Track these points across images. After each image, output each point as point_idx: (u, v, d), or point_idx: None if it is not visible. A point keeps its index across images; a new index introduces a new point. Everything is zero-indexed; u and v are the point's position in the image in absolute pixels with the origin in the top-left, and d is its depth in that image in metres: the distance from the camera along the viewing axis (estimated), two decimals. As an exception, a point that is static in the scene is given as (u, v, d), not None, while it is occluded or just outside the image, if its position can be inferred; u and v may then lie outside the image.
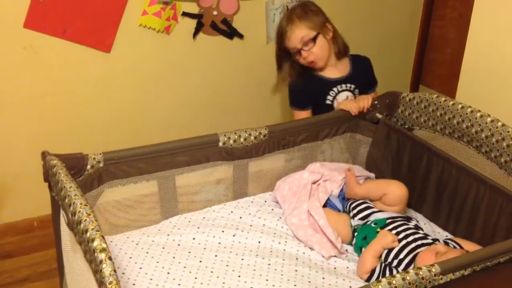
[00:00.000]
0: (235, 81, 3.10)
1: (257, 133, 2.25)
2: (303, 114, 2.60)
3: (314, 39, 2.49)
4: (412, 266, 1.87)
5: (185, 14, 2.80)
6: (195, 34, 2.87)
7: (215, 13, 2.86)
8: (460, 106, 2.15)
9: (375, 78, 2.73)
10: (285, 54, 2.56)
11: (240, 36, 2.99)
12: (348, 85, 2.59)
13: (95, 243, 1.36)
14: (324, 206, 2.23)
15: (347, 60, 2.65)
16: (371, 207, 2.15)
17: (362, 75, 2.65)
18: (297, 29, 2.47)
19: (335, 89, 2.58)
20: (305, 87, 2.60)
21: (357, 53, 3.43)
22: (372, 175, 2.44)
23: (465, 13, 3.17)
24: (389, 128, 2.43)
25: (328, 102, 2.58)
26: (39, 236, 2.83)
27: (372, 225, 2.06)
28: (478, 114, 2.08)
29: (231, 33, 2.95)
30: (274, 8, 2.99)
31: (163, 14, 2.74)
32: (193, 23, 2.84)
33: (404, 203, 2.17)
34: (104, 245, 1.36)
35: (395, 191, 2.15)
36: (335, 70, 2.60)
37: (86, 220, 1.44)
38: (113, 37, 2.71)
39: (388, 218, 2.06)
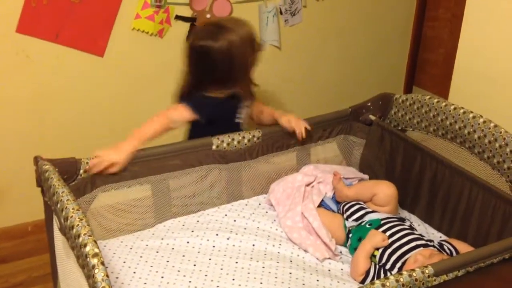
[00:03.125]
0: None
1: (250, 136, 2.26)
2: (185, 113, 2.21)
3: None
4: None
5: (178, 17, 2.80)
6: (188, 37, 2.87)
7: (208, 16, 2.86)
8: (452, 107, 2.15)
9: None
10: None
11: (234, 39, 2.98)
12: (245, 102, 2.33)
13: (88, 248, 1.36)
14: (319, 208, 2.23)
15: None
16: (365, 208, 2.16)
17: None
18: None
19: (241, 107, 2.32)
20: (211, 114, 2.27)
21: (351, 55, 3.45)
22: (366, 176, 2.44)
23: (458, 14, 3.18)
24: (383, 129, 2.43)
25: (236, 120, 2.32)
26: (33, 241, 2.82)
27: (367, 226, 2.06)
28: (471, 115, 2.08)
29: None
30: (267, 11, 2.99)
31: (156, 18, 2.74)
32: (186, 26, 2.84)
33: (394, 202, 2.18)
34: (96, 250, 1.36)
35: (384, 190, 2.16)
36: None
37: (78, 225, 1.44)
38: (106, 41, 2.71)
39: (382, 219, 2.07)
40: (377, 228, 2.03)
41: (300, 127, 2.30)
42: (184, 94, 2.24)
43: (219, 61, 2.10)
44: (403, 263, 1.89)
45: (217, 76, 2.15)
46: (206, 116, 2.19)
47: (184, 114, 2.17)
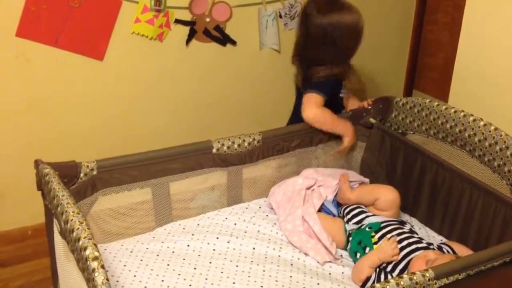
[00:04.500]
0: (229, 88, 3.10)
1: (250, 139, 2.25)
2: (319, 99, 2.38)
3: None
4: (406, 272, 1.87)
5: (177, 21, 2.80)
6: (188, 41, 2.87)
7: (208, 20, 2.86)
8: (453, 110, 2.15)
9: None
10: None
11: (233, 43, 2.99)
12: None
13: (88, 252, 1.36)
14: (319, 211, 2.23)
15: None
16: (365, 212, 2.15)
17: None
18: None
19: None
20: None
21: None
22: (367, 180, 2.44)
23: (457, 18, 3.18)
24: (383, 133, 2.43)
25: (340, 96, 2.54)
26: (33, 244, 2.81)
27: (367, 229, 2.06)
28: (471, 118, 2.08)
29: (224, 39, 2.95)
30: (267, 15, 2.99)
31: (156, 22, 2.74)
32: (186, 30, 2.84)
33: (396, 207, 2.17)
34: (96, 254, 1.36)
35: (387, 195, 2.15)
36: None
37: (78, 228, 1.43)
38: (106, 45, 2.71)
39: (382, 222, 2.06)
40: (377, 232, 2.02)
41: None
42: (307, 76, 2.40)
43: (348, 35, 2.33)
44: (404, 266, 1.89)
45: (342, 51, 2.38)
46: (328, 96, 2.37)
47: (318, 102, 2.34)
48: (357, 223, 2.12)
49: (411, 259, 1.89)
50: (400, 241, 1.96)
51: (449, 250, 1.98)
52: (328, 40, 2.31)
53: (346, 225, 2.14)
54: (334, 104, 2.44)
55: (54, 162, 1.90)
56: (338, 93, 2.50)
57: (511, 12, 2.31)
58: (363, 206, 2.19)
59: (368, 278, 1.91)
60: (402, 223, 2.09)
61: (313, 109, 2.33)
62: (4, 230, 2.83)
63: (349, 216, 2.16)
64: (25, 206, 2.74)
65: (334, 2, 2.34)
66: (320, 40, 2.32)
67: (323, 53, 2.35)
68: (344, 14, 2.31)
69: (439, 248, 1.97)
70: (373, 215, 2.13)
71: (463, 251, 1.99)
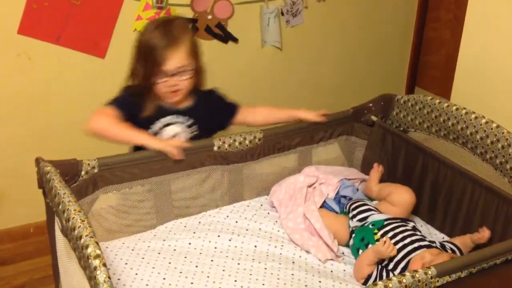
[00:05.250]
0: (230, 85, 3.08)
1: (252, 137, 2.25)
2: (111, 111, 2.08)
3: (191, 68, 2.11)
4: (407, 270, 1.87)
5: (179, 18, 2.80)
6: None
7: (209, 17, 2.86)
8: (454, 107, 2.15)
9: (232, 103, 2.31)
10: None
11: (235, 40, 2.99)
12: (181, 118, 2.16)
13: (89, 250, 1.36)
14: (321, 208, 2.23)
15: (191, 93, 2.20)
16: (371, 209, 2.15)
17: (207, 110, 2.22)
18: (183, 50, 2.06)
19: (164, 119, 2.14)
20: (139, 100, 2.14)
21: (353, 56, 3.45)
22: (368, 177, 2.43)
23: (460, 15, 3.18)
24: (384, 130, 2.43)
25: (150, 131, 2.13)
26: (35, 242, 2.82)
27: (370, 226, 2.06)
28: (473, 116, 2.08)
29: (226, 37, 2.95)
30: (269, 12, 2.99)
31: (158, 19, 2.74)
32: (187, 27, 2.84)
33: (406, 207, 2.16)
34: (98, 251, 1.35)
35: (402, 193, 2.17)
36: None
37: (80, 226, 1.43)
38: (107, 43, 2.71)
39: (386, 220, 2.06)
40: (380, 229, 2.02)
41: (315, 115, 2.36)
42: None
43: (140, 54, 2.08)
44: (406, 264, 1.89)
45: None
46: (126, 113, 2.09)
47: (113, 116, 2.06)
48: (361, 219, 2.11)
49: (412, 257, 1.89)
50: (402, 239, 1.96)
51: (453, 248, 1.98)
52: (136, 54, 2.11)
53: (350, 221, 2.13)
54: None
55: (55, 160, 1.90)
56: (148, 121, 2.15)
57: (514, 9, 2.31)
58: (369, 203, 2.19)
59: (369, 276, 1.91)
60: (406, 221, 2.09)
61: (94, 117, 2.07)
62: (6, 227, 2.84)
63: (354, 212, 2.15)
64: (27, 204, 2.75)
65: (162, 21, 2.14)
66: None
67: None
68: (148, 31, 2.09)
69: (443, 247, 1.97)
70: (378, 212, 2.13)
71: (466, 242, 2.01)
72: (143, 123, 2.11)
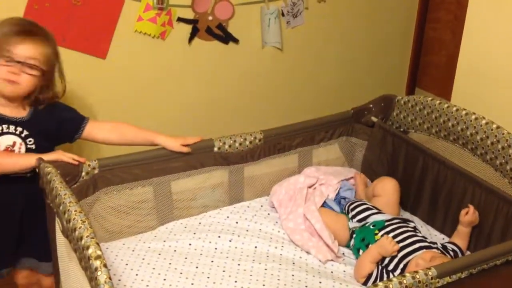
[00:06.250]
0: (231, 86, 3.10)
1: (252, 138, 2.25)
2: None
3: (39, 68, 1.95)
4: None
5: (180, 19, 2.80)
6: (190, 40, 2.86)
7: (210, 18, 2.86)
8: (455, 108, 2.15)
9: (78, 116, 2.14)
10: None
11: (236, 41, 2.98)
12: (19, 129, 1.98)
13: (90, 250, 1.36)
14: (322, 207, 2.23)
15: (27, 104, 2.02)
16: (370, 208, 2.15)
17: (45, 123, 2.03)
18: (38, 45, 1.94)
19: None
20: None
21: (353, 56, 3.45)
22: (368, 180, 2.44)
23: (460, 16, 3.17)
24: (385, 131, 2.43)
25: None
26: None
27: (371, 227, 2.06)
28: (473, 117, 2.08)
29: (227, 38, 2.94)
30: (269, 13, 2.99)
31: (158, 20, 2.74)
32: (188, 28, 2.84)
33: (392, 195, 2.23)
34: (99, 252, 1.36)
35: (383, 180, 2.25)
36: (10, 107, 1.98)
37: (80, 227, 1.44)
38: (108, 43, 2.70)
39: (386, 221, 2.06)
40: (380, 229, 2.02)
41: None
42: None
43: None
44: (406, 265, 1.89)
45: None
46: None
47: None
48: (361, 220, 2.11)
49: (412, 259, 1.89)
50: (403, 240, 1.96)
51: (455, 248, 1.98)
52: None
53: (350, 222, 2.14)
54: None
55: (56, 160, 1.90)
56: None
57: (514, 10, 2.31)
58: (368, 203, 2.19)
59: (370, 276, 1.91)
60: (406, 221, 2.09)
61: None
62: (7, 228, 2.83)
63: (353, 213, 2.15)
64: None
65: None
66: None
67: None
68: None
69: (444, 248, 1.97)
70: (378, 212, 2.13)
71: (462, 232, 2.05)
72: None
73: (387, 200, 2.18)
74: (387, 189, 2.24)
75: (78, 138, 2.11)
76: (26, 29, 1.95)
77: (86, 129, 2.10)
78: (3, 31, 1.92)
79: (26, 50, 1.91)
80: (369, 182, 2.44)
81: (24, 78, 1.92)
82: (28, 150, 1.99)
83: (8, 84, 1.91)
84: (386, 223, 2.05)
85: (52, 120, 2.04)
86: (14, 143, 1.97)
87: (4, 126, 1.96)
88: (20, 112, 2.00)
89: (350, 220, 2.14)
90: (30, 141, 1.99)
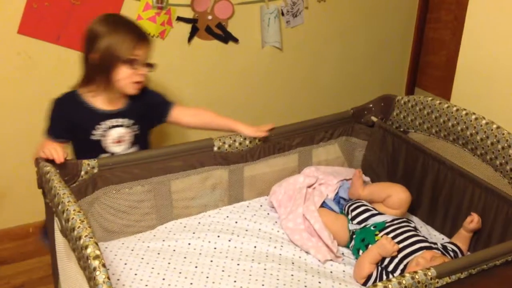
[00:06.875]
0: (230, 85, 3.09)
1: (252, 137, 2.25)
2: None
3: (153, 65, 2.17)
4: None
5: (179, 18, 2.80)
6: (190, 39, 2.86)
7: (210, 17, 2.86)
8: (455, 108, 2.15)
9: (166, 99, 2.29)
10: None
11: (235, 40, 2.98)
12: (121, 120, 2.14)
13: (89, 250, 1.36)
14: (321, 208, 2.22)
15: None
16: (370, 210, 2.15)
17: (143, 109, 2.20)
18: (150, 45, 2.13)
19: (104, 124, 2.12)
20: (68, 114, 2.12)
21: (353, 56, 3.45)
22: (367, 179, 2.44)
23: (460, 16, 3.17)
24: (385, 131, 2.43)
25: (93, 137, 2.12)
26: (35, 242, 2.81)
27: (371, 228, 2.05)
28: (473, 117, 2.08)
29: (226, 37, 2.94)
30: (269, 12, 2.98)
31: (158, 19, 2.74)
32: (188, 27, 2.84)
33: (405, 207, 2.17)
34: (97, 252, 1.35)
35: (399, 194, 2.16)
36: (108, 101, 2.13)
37: (79, 227, 1.43)
38: (107, 42, 2.70)
39: (387, 222, 2.06)
40: (381, 231, 2.02)
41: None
42: None
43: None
44: (406, 265, 1.88)
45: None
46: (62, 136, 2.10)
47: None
48: (361, 222, 2.11)
49: (412, 259, 1.88)
50: (404, 240, 1.96)
51: (455, 248, 1.98)
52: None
53: (350, 224, 2.13)
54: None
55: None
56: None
57: (514, 10, 2.31)
58: (367, 204, 2.18)
59: (369, 276, 1.91)
60: (407, 221, 2.08)
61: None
62: (6, 227, 2.83)
63: (353, 214, 2.15)
64: (27, 204, 2.75)
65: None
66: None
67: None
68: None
69: (444, 248, 1.97)
70: (379, 213, 2.12)
71: (463, 236, 2.04)
72: (84, 130, 2.11)
73: (402, 213, 2.16)
74: (404, 204, 2.16)
75: (165, 122, 2.27)
76: (141, 33, 2.10)
77: (172, 113, 2.24)
78: (121, 38, 2.04)
79: (146, 52, 2.10)
80: (367, 179, 2.43)
81: (145, 77, 2.13)
82: (135, 137, 2.18)
83: (134, 85, 2.10)
84: (387, 224, 2.05)
85: (144, 105, 2.19)
86: (122, 133, 2.15)
87: (113, 120, 2.12)
88: (120, 104, 2.15)
89: (350, 222, 2.14)
90: (134, 128, 2.17)
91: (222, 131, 2.28)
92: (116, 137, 2.14)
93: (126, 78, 2.07)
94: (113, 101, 2.13)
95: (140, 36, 2.09)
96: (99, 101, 2.11)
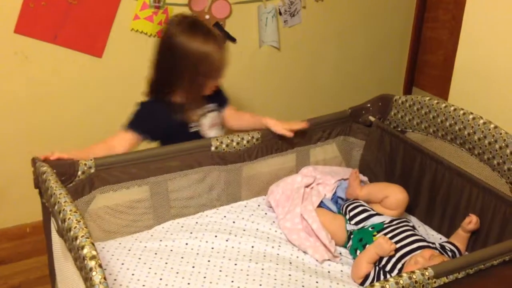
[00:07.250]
0: (228, 85, 3.09)
1: (249, 137, 2.25)
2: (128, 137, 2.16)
3: None
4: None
5: (177, 18, 2.79)
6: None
7: (207, 17, 2.86)
8: (452, 108, 2.15)
9: (225, 95, 2.42)
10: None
11: (233, 40, 2.98)
12: (208, 106, 2.28)
13: (85, 251, 1.35)
14: (319, 207, 2.22)
15: None
16: (368, 210, 2.14)
17: (214, 94, 2.29)
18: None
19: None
20: (161, 121, 2.21)
21: (351, 56, 3.45)
22: (365, 178, 2.43)
23: (458, 15, 3.17)
24: (382, 131, 2.43)
25: (191, 130, 2.25)
26: (32, 242, 2.81)
27: (369, 229, 2.05)
28: (471, 117, 2.08)
29: (224, 37, 2.94)
30: (267, 12, 2.98)
31: (155, 18, 2.73)
32: (185, 27, 2.83)
33: (403, 208, 2.17)
34: (94, 253, 1.35)
35: (397, 194, 2.16)
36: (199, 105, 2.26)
37: (75, 227, 1.43)
38: (104, 42, 2.70)
39: (385, 223, 2.06)
40: (379, 231, 2.02)
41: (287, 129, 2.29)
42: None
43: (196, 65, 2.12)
44: (403, 265, 1.88)
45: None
46: (149, 133, 2.18)
47: (124, 140, 2.14)
48: (359, 222, 2.11)
49: (410, 258, 1.88)
50: (402, 239, 1.96)
51: (453, 248, 1.98)
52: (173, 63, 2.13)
53: (348, 224, 2.13)
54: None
55: (52, 160, 1.89)
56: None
57: (512, 9, 2.31)
58: (365, 204, 2.18)
59: (367, 276, 1.91)
60: (405, 221, 2.08)
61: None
62: (3, 227, 2.83)
63: (351, 214, 2.14)
64: (24, 204, 2.74)
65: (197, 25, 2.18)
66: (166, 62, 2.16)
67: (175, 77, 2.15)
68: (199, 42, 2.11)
69: (442, 248, 1.97)
70: (377, 214, 2.12)
71: (461, 236, 2.04)
72: (183, 127, 2.22)
73: (399, 213, 2.17)
74: (402, 204, 2.16)
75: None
76: (223, 45, 2.20)
77: (226, 111, 2.37)
78: (210, 54, 2.12)
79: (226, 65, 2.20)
80: (365, 179, 2.43)
81: None
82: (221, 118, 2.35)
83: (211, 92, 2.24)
84: (385, 225, 2.04)
85: (214, 92, 2.28)
86: (214, 117, 2.30)
87: (203, 108, 2.25)
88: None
89: (348, 222, 2.13)
90: (219, 109, 2.34)
91: (253, 129, 2.32)
92: (210, 122, 2.28)
93: (213, 87, 2.23)
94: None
95: (224, 53, 2.18)
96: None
